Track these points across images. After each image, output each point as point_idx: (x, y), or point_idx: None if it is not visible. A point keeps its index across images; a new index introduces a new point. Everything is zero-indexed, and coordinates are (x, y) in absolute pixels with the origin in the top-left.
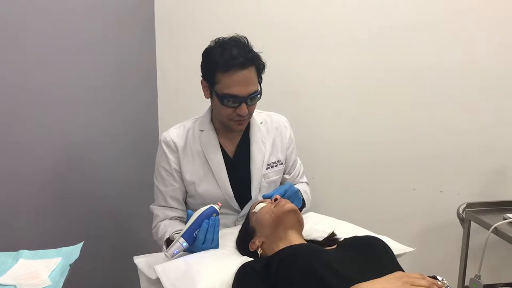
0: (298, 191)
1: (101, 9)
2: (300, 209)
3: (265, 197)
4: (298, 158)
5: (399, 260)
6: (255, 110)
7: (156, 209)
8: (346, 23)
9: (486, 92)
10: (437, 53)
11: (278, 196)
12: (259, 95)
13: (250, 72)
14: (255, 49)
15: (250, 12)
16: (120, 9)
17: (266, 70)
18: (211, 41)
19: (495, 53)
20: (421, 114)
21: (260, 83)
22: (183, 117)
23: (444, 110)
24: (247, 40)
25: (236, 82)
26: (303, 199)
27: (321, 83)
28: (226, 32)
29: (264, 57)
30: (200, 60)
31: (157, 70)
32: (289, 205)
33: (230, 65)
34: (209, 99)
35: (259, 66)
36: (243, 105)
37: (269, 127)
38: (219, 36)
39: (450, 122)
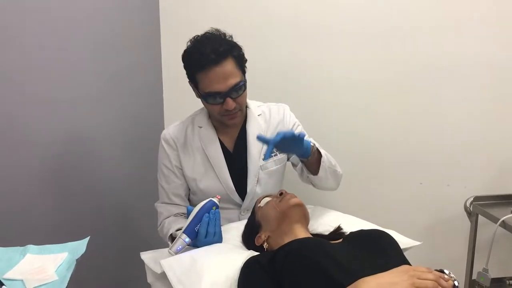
0: (299, 135)
1: (105, 7)
2: (313, 161)
3: (258, 138)
4: (311, 139)
5: (406, 254)
6: (254, 103)
7: (160, 207)
8: (356, 17)
9: (493, 86)
10: (444, 49)
11: (283, 190)
12: (243, 86)
13: (227, 66)
14: (253, 40)
15: (256, 6)
16: (124, 6)
17: (271, 64)
18: (187, 41)
19: (502, 48)
20: (428, 108)
21: (244, 71)
22: (188, 114)
23: (451, 104)
24: (220, 32)
25: (213, 80)
26: (315, 148)
27: (327, 78)
28: (232, 27)
29: (270, 51)
30: None
31: (162, 66)
32: (294, 199)
33: (203, 64)
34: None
35: (237, 56)
36: (228, 100)
37: (267, 118)
38: (227, 31)
39: (457, 115)
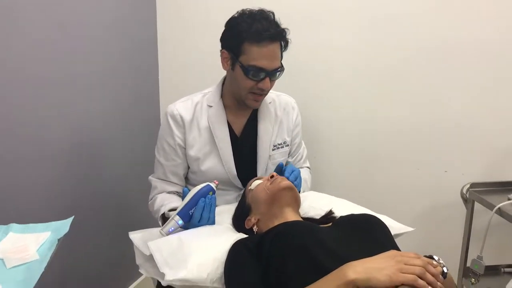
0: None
1: None
2: None
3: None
4: (302, 142)
5: (399, 239)
6: None
7: (154, 181)
8: (354, 3)
9: (491, 73)
10: (442, 31)
11: (274, 173)
12: (281, 71)
13: (277, 47)
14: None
15: None
16: None
17: None
18: (236, 12)
19: (500, 35)
20: (426, 94)
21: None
22: (184, 91)
23: (449, 90)
24: (274, 15)
25: (264, 55)
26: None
27: (325, 63)
28: (227, 8)
29: None
30: (201, 37)
31: (158, 50)
32: (285, 182)
33: (261, 36)
34: (226, 71)
35: (285, 43)
36: (267, 79)
37: (277, 107)
38: (222, 13)
39: (455, 101)
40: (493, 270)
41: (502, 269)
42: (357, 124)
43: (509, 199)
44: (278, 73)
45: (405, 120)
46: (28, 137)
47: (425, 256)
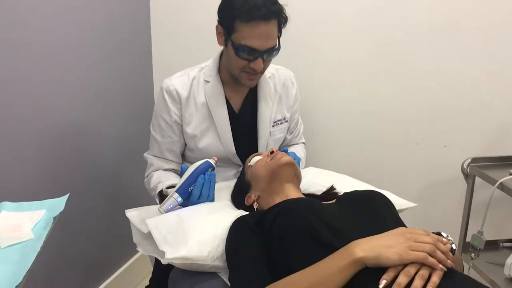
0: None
1: None
2: None
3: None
4: (299, 117)
5: (401, 215)
6: None
7: (150, 159)
8: None
9: (491, 45)
10: (442, 6)
11: (274, 149)
12: (276, 51)
13: (272, 26)
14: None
15: None
16: None
17: None
18: None
19: (503, 7)
20: (425, 67)
21: (279, 37)
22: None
23: (449, 63)
24: None
25: (256, 35)
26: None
27: (325, 37)
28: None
29: None
30: (195, 14)
31: (150, 20)
32: (285, 158)
33: (252, 15)
34: (222, 46)
35: (281, 20)
36: (259, 60)
37: (276, 82)
38: None
39: (455, 74)
40: (492, 245)
41: (501, 244)
42: (356, 100)
43: (510, 174)
44: (273, 53)
45: (405, 94)
46: (21, 114)
47: (434, 233)
